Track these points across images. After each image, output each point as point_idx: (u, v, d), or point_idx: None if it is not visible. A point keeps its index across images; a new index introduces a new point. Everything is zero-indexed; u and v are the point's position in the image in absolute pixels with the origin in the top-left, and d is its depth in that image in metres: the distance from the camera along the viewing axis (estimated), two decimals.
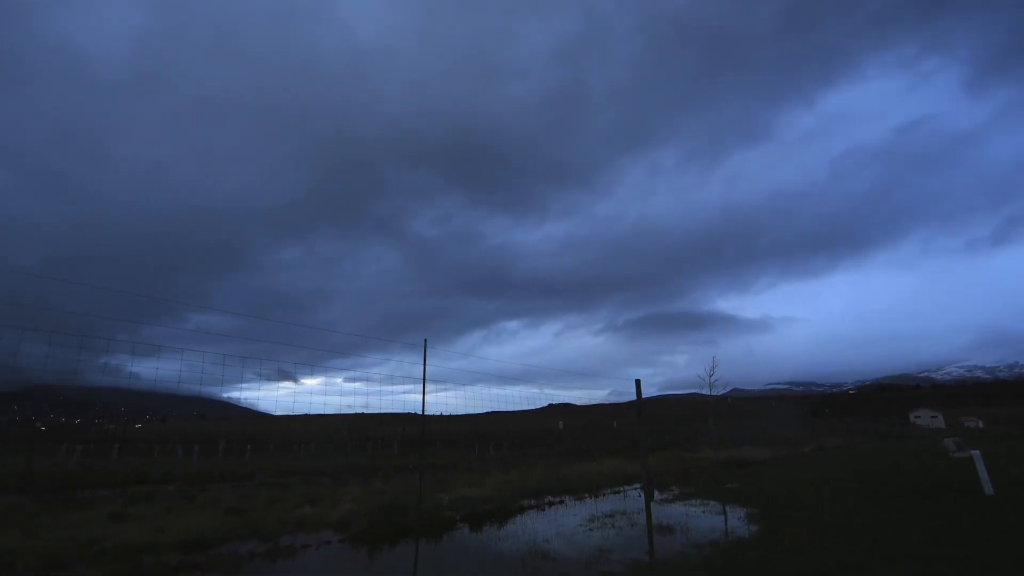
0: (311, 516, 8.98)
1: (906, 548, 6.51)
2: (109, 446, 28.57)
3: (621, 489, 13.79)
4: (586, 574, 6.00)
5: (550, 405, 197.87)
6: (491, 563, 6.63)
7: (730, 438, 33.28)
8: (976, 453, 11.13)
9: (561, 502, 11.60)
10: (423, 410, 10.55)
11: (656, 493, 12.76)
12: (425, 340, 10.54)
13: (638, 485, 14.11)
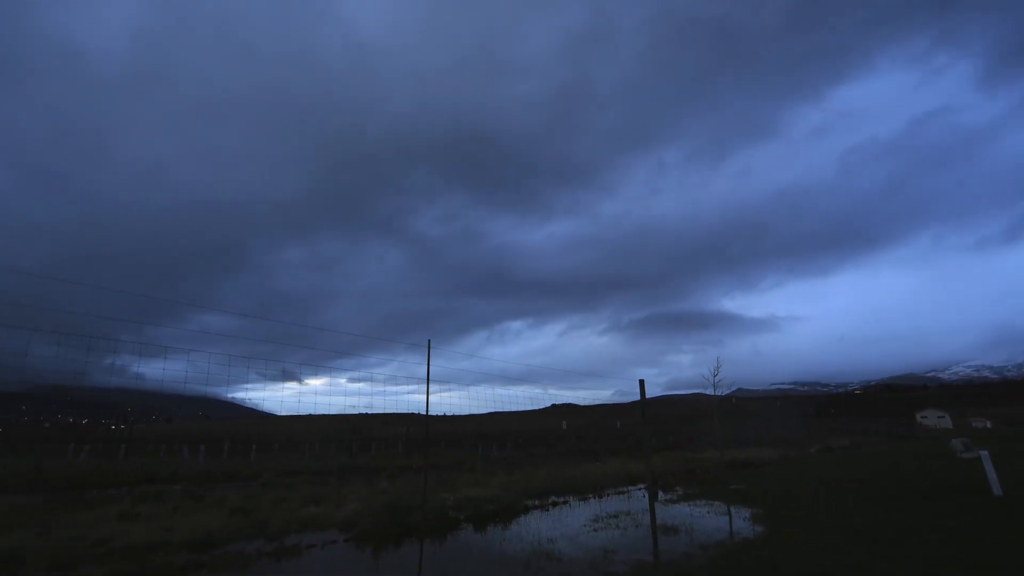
0: (316, 516, 9.01)
1: (915, 550, 6.47)
2: (116, 446, 28.78)
3: (625, 489, 13.77)
4: (591, 575, 6.00)
5: (553, 405, 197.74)
6: (496, 563, 6.63)
7: (735, 438, 33.13)
8: (984, 454, 11.04)
9: (565, 502, 11.59)
10: (427, 410, 10.58)
11: (660, 494, 12.72)
12: (429, 340, 10.56)
13: (642, 485, 14.08)
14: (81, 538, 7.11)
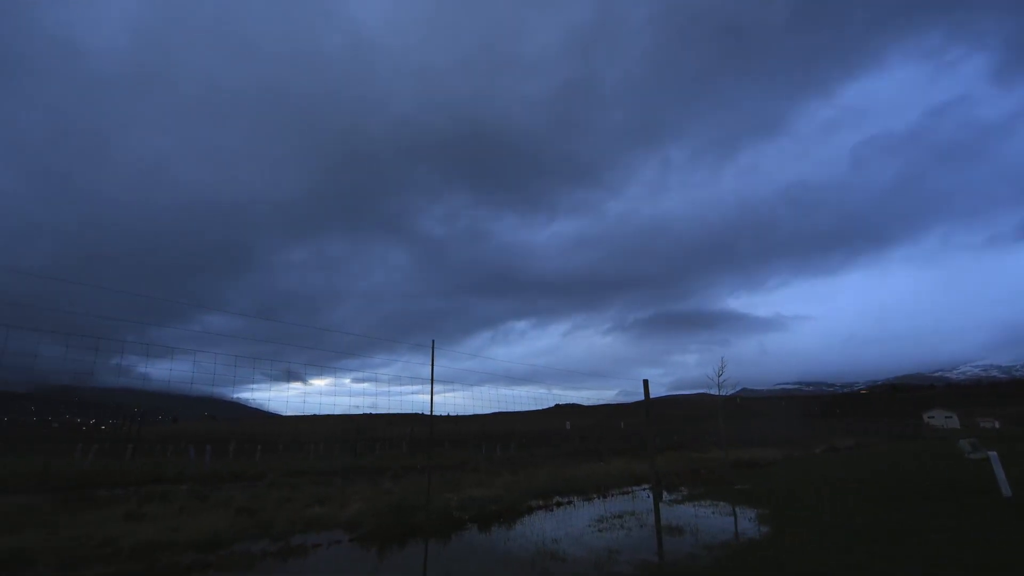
0: (321, 516, 9.05)
1: (920, 550, 6.42)
2: (123, 446, 28.99)
3: (629, 490, 13.74)
4: (596, 575, 5.99)
5: (557, 405, 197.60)
6: (500, 563, 6.64)
7: (739, 438, 33.02)
8: (993, 454, 10.95)
9: (569, 502, 11.58)
10: (431, 410, 10.59)
11: (665, 494, 12.69)
12: (433, 341, 10.58)
13: (647, 486, 14.05)
14: (88, 537, 7.17)
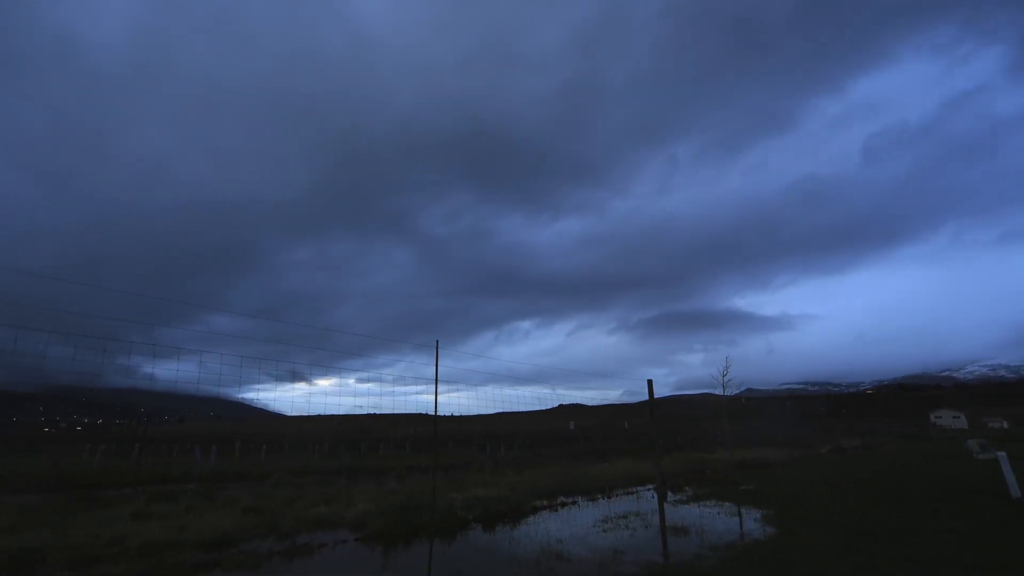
0: (327, 515, 9.09)
1: (926, 551, 6.37)
2: (130, 446, 29.22)
3: (634, 490, 13.71)
4: (601, 575, 5.98)
5: (561, 405, 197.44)
6: (505, 563, 6.64)
7: (745, 439, 32.88)
8: (1002, 455, 10.86)
9: (574, 503, 11.57)
10: (435, 410, 10.61)
11: (670, 494, 12.65)
12: (437, 341, 10.61)
13: (651, 486, 14.02)
14: (96, 537, 7.23)
